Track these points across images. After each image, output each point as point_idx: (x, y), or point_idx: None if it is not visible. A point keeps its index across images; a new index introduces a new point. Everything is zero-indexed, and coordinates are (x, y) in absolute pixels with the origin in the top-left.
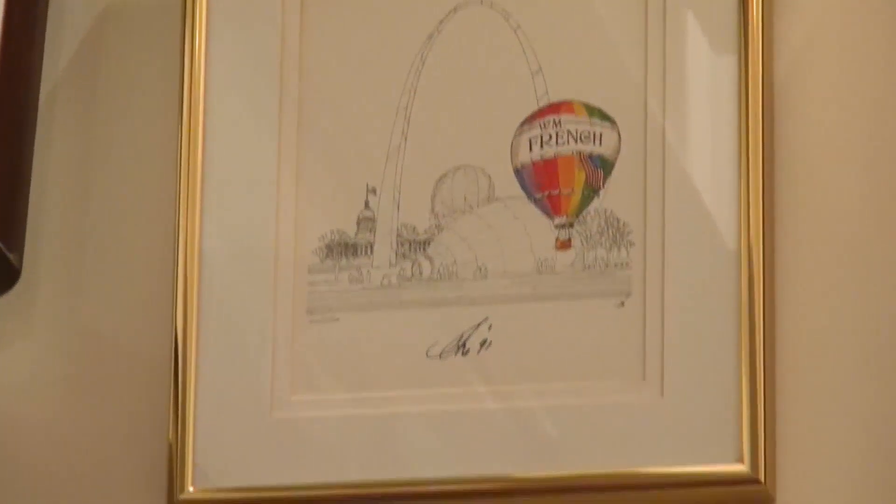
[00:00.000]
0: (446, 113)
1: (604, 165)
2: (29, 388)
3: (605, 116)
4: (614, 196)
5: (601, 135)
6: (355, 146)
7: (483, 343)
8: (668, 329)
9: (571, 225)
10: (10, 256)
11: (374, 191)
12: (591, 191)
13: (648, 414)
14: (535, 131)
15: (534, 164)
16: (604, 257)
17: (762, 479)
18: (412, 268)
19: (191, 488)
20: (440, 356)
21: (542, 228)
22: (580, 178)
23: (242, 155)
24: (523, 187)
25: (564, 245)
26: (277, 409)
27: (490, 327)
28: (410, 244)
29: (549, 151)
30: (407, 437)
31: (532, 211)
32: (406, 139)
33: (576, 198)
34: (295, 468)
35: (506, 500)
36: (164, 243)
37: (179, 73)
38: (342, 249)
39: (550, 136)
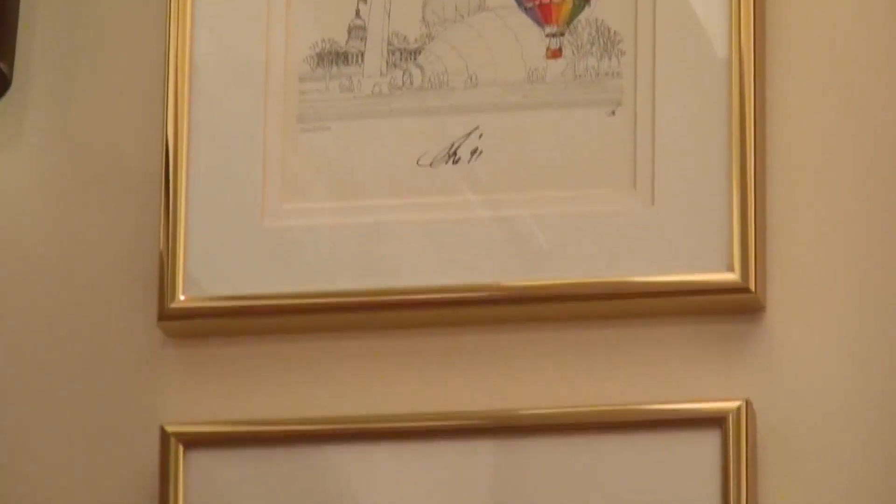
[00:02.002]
0: None
1: None
2: (18, 198)
3: None
4: (605, 5)
5: None
6: None
7: (474, 152)
8: (658, 138)
9: (562, 34)
10: (1, 66)
11: None
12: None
13: (639, 222)
14: None
15: None
16: (594, 66)
17: (752, 288)
18: (403, 77)
19: (181, 297)
20: (431, 165)
21: (533, 37)
22: None
23: None
24: None
25: (555, 54)
26: (268, 217)
27: (481, 136)
28: (401, 53)
29: None
30: (397, 245)
31: (523, 20)
32: None
33: (567, 6)
34: (285, 276)
35: (495, 309)
36: (155, 52)
37: None
38: (333, 58)
39: None
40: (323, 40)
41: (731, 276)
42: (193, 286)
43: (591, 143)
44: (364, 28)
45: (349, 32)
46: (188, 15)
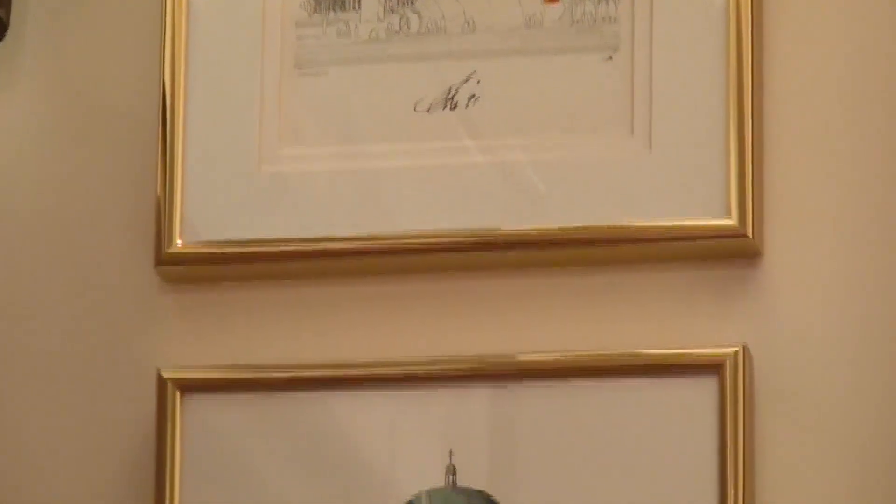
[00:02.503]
0: None
1: None
2: (14, 143)
3: None
4: None
5: None
6: None
7: (471, 97)
8: (655, 83)
9: None
10: None
11: None
12: None
13: (636, 168)
14: None
15: None
16: (592, 12)
17: (750, 234)
18: (400, 22)
19: (179, 242)
20: (428, 110)
21: None
22: None
23: None
24: None
25: (553, 0)
26: (266, 162)
27: (478, 81)
28: None
29: None
30: (394, 190)
31: None
32: None
33: None
34: (283, 222)
35: (493, 254)
36: None
37: None
38: (330, 3)
39: None
40: None
41: (729, 222)
42: (190, 232)
43: (589, 88)
44: None
45: None
46: None
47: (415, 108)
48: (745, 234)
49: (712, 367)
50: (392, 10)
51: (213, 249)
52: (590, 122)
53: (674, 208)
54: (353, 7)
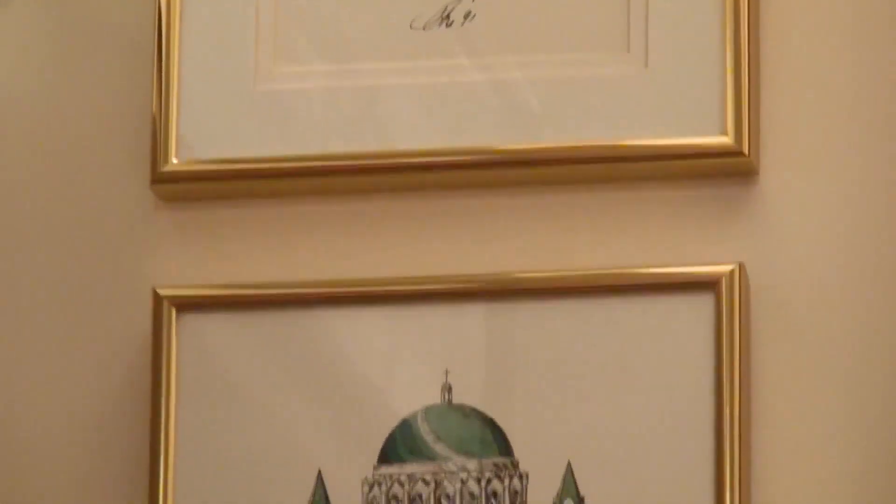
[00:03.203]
0: None
1: None
2: (10, 61)
3: None
4: None
5: None
6: None
7: (467, 15)
8: (652, 0)
9: None
10: None
11: None
12: None
13: (632, 86)
14: None
15: None
16: None
17: (746, 152)
18: None
19: (174, 160)
20: (424, 28)
21: None
22: None
23: None
24: None
25: None
26: (261, 80)
27: None
28: None
29: None
30: (390, 108)
31: None
32: None
33: None
34: (278, 140)
35: (488, 172)
36: None
37: None
38: None
39: None
40: None
41: (725, 140)
42: (186, 149)
43: (585, 6)
44: None
45: None
46: None
47: (410, 25)
48: (741, 153)
49: (709, 285)
50: None
51: (209, 167)
52: (586, 39)
53: (670, 126)
54: None
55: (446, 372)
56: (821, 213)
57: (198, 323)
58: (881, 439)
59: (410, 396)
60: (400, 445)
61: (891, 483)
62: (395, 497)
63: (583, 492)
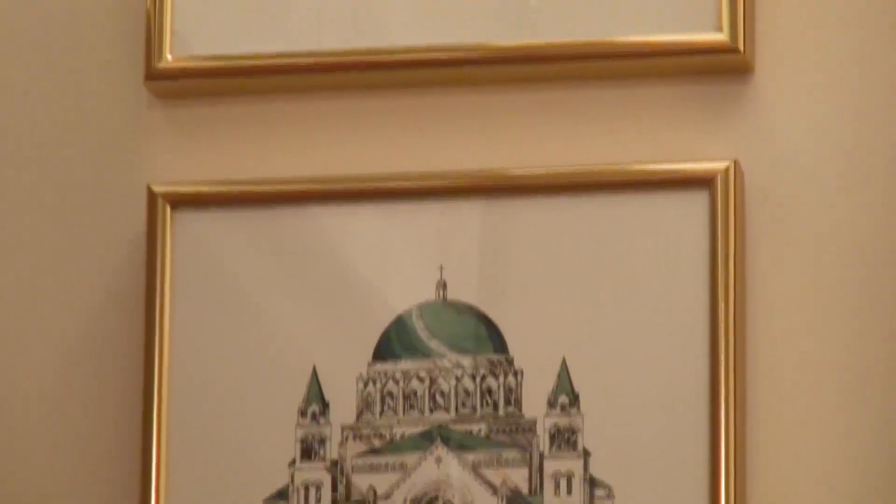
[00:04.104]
0: None
1: None
2: None
3: None
4: None
5: None
6: None
7: None
8: None
9: None
10: None
11: None
12: None
13: None
14: None
15: None
16: None
17: (741, 49)
18: None
19: (168, 56)
20: None
21: None
22: None
23: None
24: None
25: None
26: None
27: None
28: None
29: None
30: (385, 4)
31: None
32: None
33: None
34: (273, 36)
35: (483, 69)
36: None
37: None
38: None
39: None
40: None
41: (720, 37)
42: (181, 46)
43: None
44: None
45: None
46: None
47: None
48: (736, 49)
49: (703, 182)
50: None
51: (203, 64)
52: None
53: (666, 23)
54: None
55: (441, 268)
56: (815, 110)
57: (192, 220)
58: (876, 325)
59: (405, 293)
60: (394, 342)
61: (888, 372)
62: (390, 394)
63: (577, 388)
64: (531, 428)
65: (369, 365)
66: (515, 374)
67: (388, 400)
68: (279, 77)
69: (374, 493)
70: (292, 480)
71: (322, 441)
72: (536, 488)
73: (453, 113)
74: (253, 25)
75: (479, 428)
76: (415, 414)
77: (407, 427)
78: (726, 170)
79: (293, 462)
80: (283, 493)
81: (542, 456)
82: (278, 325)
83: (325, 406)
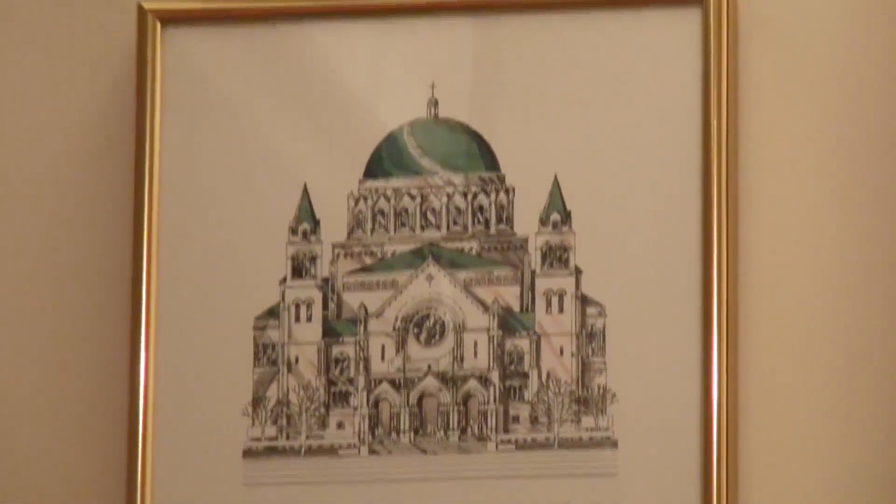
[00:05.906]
0: None
1: None
2: None
3: None
4: None
5: None
6: None
7: None
8: None
9: None
10: None
11: None
12: None
13: None
14: None
15: None
16: None
17: None
18: None
19: None
20: None
21: None
22: None
23: None
24: None
25: None
26: None
27: None
28: None
29: None
30: None
31: None
32: None
33: None
34: None
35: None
36: None
37: None
38: None
39: None
40: None
41: None
42: None
43: None
44: None
45: None
46: None
47: None
48: None
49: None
50: None
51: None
52: None
53: None
54: None
55: (433, 86)
56: None
57: (183, 37)
58: (864, 163)
59: (396, 110)
60: (386, 160)
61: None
62: (381, 211)
63: (569, 206)
64: (523, 245)
65: (360, 182)
66: (507, 191)
67: (379, 218)
68: None
69: (366, 310)
70: (283, 298)
71: (313, 259)
72: (528, 306)
73: None
74: None
75: (471, 246)
76: (406, 231)
77: (398, 245)
78: None
79: (284, 280)
80: (273, 311)
81: (533, 274)
82: (269, 144)
83: (315, 224)
